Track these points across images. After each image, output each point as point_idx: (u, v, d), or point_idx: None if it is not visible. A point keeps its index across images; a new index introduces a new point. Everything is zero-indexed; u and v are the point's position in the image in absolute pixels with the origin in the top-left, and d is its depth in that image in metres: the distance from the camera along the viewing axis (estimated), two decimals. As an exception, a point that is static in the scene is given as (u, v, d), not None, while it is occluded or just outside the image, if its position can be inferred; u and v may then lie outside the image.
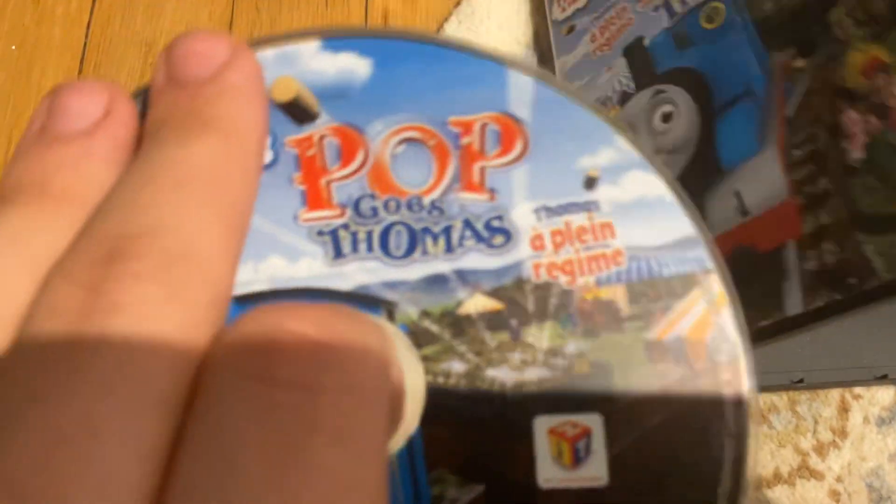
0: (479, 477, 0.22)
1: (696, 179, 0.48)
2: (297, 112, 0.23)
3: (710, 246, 0.23)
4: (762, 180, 0.46)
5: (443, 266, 0.23)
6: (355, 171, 0.23)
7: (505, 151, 0.23)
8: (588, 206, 0.23)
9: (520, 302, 0.23)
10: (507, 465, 0.22)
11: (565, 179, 0.23)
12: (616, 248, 0.23)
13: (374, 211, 0.23)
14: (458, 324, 0.23)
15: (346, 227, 0.23)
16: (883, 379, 0.49)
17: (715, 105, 0.50)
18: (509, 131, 0.23)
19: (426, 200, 0.23)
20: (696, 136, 0.50)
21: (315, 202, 0.23)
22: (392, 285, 0.23)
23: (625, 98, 0.54)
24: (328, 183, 0.23)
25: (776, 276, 0.44)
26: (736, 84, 0.49)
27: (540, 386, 0.22)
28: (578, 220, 0.23)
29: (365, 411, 0.15)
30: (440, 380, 0.23)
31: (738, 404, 0.22)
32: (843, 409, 0.51)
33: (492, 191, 0.23)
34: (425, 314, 0.23)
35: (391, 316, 0.22)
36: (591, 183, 0.24)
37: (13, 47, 0.69)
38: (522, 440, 0.22)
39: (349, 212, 0.23)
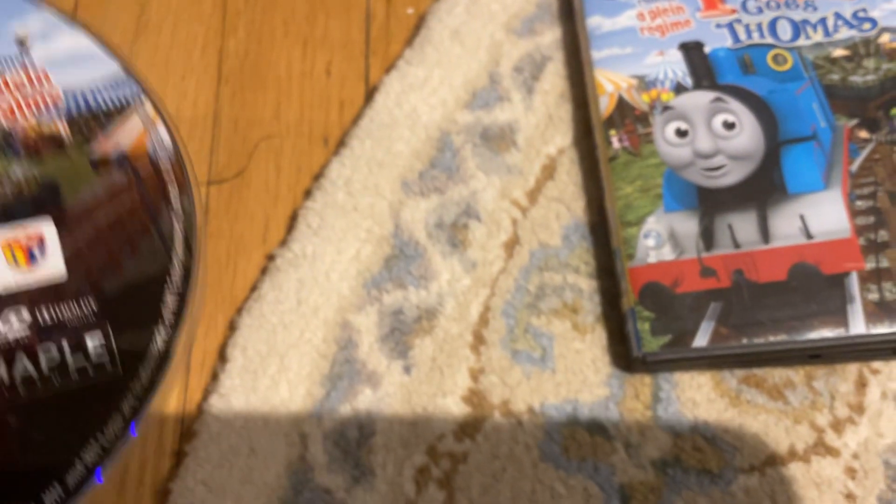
0: None
1: (761, 191, 0.52)
2: None
3: (144, 83, 0.32)
4: (826, 214, 0.51)
5: None
6: None
7: None
8: (23, 62, 0.30)
9: None
10: None
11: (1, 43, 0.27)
12: (54, 92, 0.30)
13: None
14: None
15: None
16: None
17: (780, 136, 0.54)
18: None
19: None
20: (762, 154, 0.54)
21: None
22: None
23: (680, 89, 0.56)
24: None
25: (841, 297, 0.49)
26: (803, 127, 0.54)
27: None
28: (13, 73, 0.29)
29: None
30: None
31: (183, 188, 0.30)
32: (861, 385, 0.51)
33: None
34: None
35: None
36: (22, 43, 0.30)
37: None
38: None
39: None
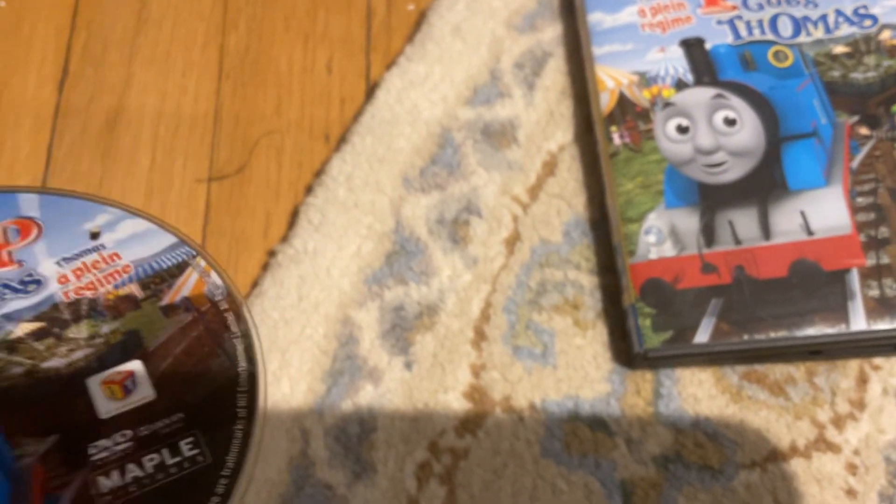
0: (55, 429, 0.33)
1: (762, 187, 0.53)
2: None
3: (193, 243, 0.40)
4: (827, 210, 0.52)
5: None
6: None
7: (24, 238, 0.38)
8: (97, 248, 0.39)
9: (57, 316, 0.36)
10: (73, 415, 0.33)
11: (76, 238, 0.39)
12: (124, 264, 0.38)
13: None
14: (10, 346, 0.34)
15: None
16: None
17: (781, 132, 0.54)
18: (25, 226, 0.38)
19: None
20: (763, 151, 0.54)
21: None
22: None
23: (680, 85, 0.56)
24: None
25: (841, 293, 0.49)
26: (804, 124, 0.54)
27: (87, 360, 0.34)
28: (92, 257, 0.38)
29: None
30: (7, 382, 0.33)
31: (238, 315, 0.37)
32: (862, 381, 0.52)
33: (20, 262, 0.38)
34: None
35: None
36: (95, 235, 0.39)
37: (3, 3, 0.67)
38: (81, 396, 0.34)
39: None
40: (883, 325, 0.48)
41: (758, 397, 0.51)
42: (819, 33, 0.56)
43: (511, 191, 0.57)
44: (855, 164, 0.52)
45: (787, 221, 0.51)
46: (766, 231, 0.51)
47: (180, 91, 0.62)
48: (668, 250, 0.51)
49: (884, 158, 0.52)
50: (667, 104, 0.55)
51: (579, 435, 0.51)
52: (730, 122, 0.54)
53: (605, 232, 0.55)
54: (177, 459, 0.34)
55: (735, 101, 0.54)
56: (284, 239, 0.57)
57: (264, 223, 0.58)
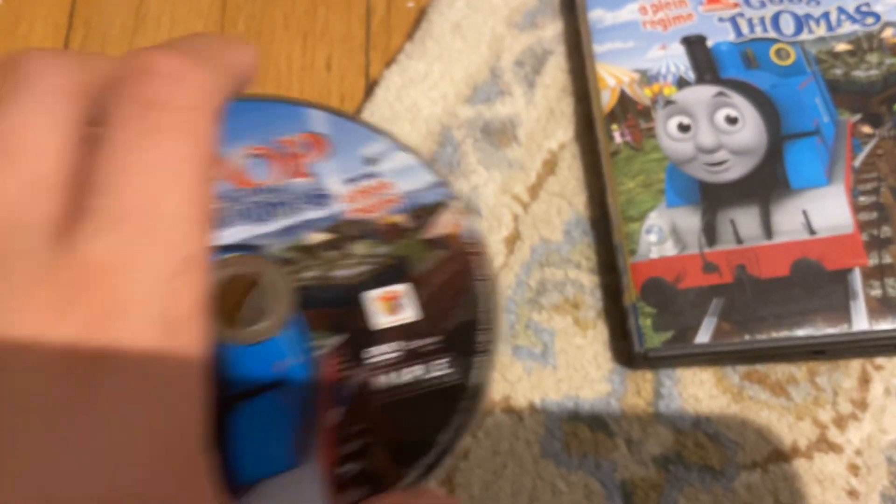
0: (342, 330, 0.39)
1: (763, 185, 0.52)
2: None
3: (451, 186, 0.43)
4: (829, 210, 0.51)
5: (292, 220, 0.41)
6: None
7: (316, 153, 0.43)
8: (373, 175, 0.43)
9: (343, 231, 0.41)
10: (357, 321, 0.40)
11: (355, 161, 0.43)
12: (395, 194, 0.42)
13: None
14: (308, 251, 0.41)
15: None
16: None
17: (783, 131, 0.54)
18: (317, 141, 0.43)
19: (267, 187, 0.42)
20: (765, 149, 0.53)
21: None
22: (260, 237, 0.41)
23: (682, 83, 0.56)
24: None
25: (843, 293, 0.49)
26: (805, 122, 0.54)
27: (365, 275, 0.40)
28: (369, 182, 0.42)
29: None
30: (303, 282, 0.40)
31: (482, 259, 0.41)
32: (864, 381, 0.51)
33: (312, 174, 0.42)
34: (285, 249, 0.41)
35: (264, 254, 0.40)
36: (371, 161, 0.43)
37: (0, 1, 0.66)
38: (359, 306, 0.40)
39: None
40: (885, 325, 0.48)
41: (759, 397, 0.51)
42: (821, 31, 0.56)
43: (511, 189, 0.57)
44: (857, 162, 0.52)
45: (789, 220, 0.51)
46: (767, 230, 0.50)
47: (178, 89, 0.62)
48: (670, 249, 0.51)
49: (886, 157, 0.52)
50: (668, 102, 0.55)
51: (579, 435, 0.50)
52: (731, 121, 0.54)
53: (605, 231, 0.55)
54: (432, 375, 0.39)
55: (737, 99, 0.54)
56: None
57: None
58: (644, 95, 0.55)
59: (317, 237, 0.41)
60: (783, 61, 0.55)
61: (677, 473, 0.49)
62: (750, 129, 0.53)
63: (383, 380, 0.38)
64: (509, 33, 0.62)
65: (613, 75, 0.56)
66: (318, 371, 0.38)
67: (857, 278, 0.49)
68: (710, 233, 0.51)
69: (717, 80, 0.55)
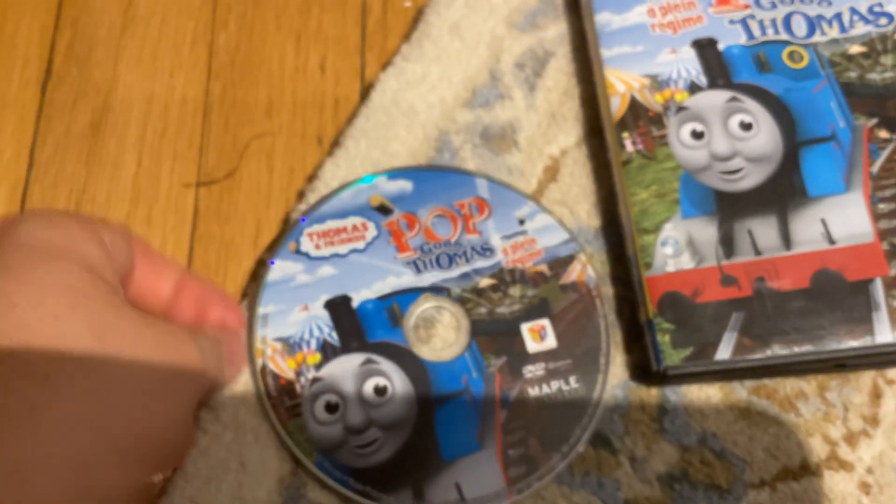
0: (504, 353, 0.51)
1: (781, 194, 0.51)
2: (383, 210, 0.54)
3: (578, 241, 0.53)
4: (849, 218, 0.50)
5: (466, 268, 0.53)
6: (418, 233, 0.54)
7: (481, 214, 0.54)
8: (523, 232, 0.53)
9: (503, 278, 0.52)
10: (515, 346, 0.51)
11: (510, 222, 0.54)
12: (538, 249, 0.53)
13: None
14: (479, 292, 0.52)
15: None
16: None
17: (799, 136, 0.52)
18: (481, 204, 0.54)
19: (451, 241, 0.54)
20: (781, 156, 0.52)
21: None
22: (446, 281, 0.53)
23: (694, 88, 0.54)
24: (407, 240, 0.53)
25: (865, 304, 0.48)
26: (822, 127, 0.52)
27: (520, 312, 0.51)
28: (520, 239, 0.53)
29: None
30: (476, 316, 0.52)
31: (603, 301, 0.52)
32: (876, 395, 0.51)
33: (480, 232, 0.53)
34: (463, 290, 0.52)
35: (450, 294, 0.53)
36: (521, 222, 0.53)
37: None
38: (517, 335, 0.51)
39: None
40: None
41: (767, 413, 0.50)
42: (834, 32, 0.54)
43: (515, 197, 0.55)
44: (875, 168, 0.50)
45: (808, 230, 0.49)
46: (786, 240, 0.49)
47: (168, 92, 0.60)
48: (686, 262, 0.49)
49: (905, 163, 0.51)
50: (680, 108, 0.53)
51: (582, 453, 0.49)
52: (746, 127, 0.52)
53: (610, 240, 0.54)
54: (566, 388, 0.49)
55: (750, 104, 0.53)
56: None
57: (254, 231, 0.56)
58: (655, 102, 0.53)
59: (484, 282, 0.52)
60: (796, 64, 0.54)
61: (683, 492, 0.48)
62: (765, 136, 0.52)
63: (534, 390, 0.49)
64: (509, 34, 0.60)
65: (623, 80, 0.54)
66: (491, 383, 0.50)
67: (878, 289, 0.48)
68: (727, 244, 0.49)
69: (729, 84, 0.54)
